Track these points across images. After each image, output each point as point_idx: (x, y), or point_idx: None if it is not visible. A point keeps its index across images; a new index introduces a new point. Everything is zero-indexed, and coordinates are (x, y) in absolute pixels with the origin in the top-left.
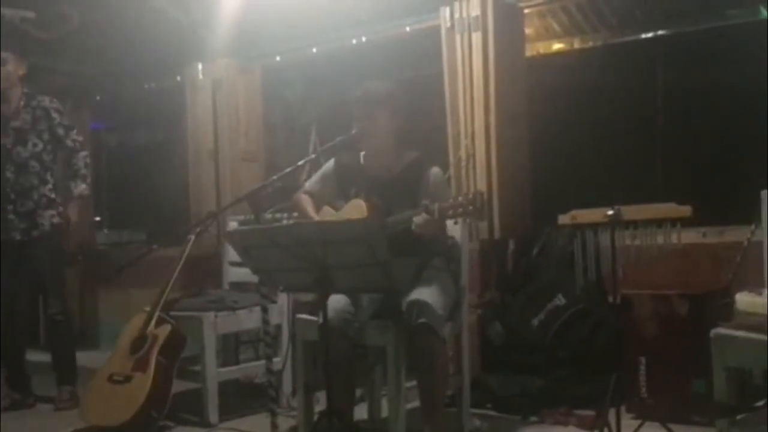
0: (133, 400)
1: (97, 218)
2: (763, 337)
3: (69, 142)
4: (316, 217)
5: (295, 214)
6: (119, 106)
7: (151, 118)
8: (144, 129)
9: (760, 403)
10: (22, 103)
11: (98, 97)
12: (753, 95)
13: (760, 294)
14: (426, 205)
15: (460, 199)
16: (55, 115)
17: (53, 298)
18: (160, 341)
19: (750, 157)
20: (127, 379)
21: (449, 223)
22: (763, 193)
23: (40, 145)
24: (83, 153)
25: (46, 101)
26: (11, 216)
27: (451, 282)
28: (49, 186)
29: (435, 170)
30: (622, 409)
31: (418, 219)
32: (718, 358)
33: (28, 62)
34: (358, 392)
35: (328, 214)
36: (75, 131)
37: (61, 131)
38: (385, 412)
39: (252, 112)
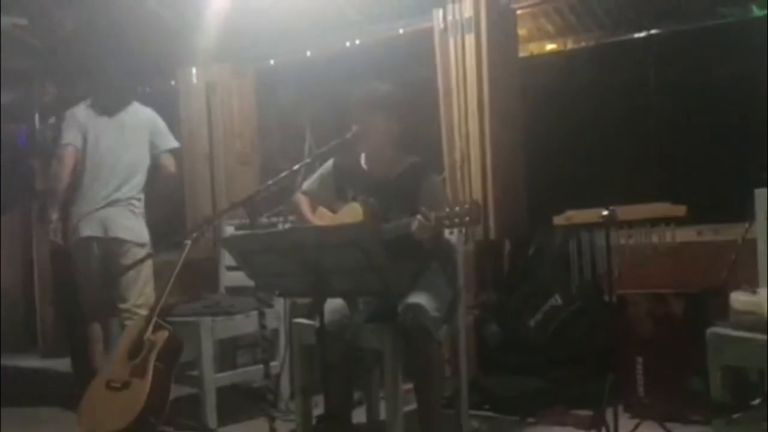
0: (132, 407)
1: None
2: (758, 336)
3: None
4: (312, 218)
5: (291, 217)
6: None
7: None
8: None
9: (756, 402)
10: None
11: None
12: (746, 93)
13: (755, 293)
14: (423, 212)
15: (457, 209)
16: None
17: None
18: (158, 347)
19: (744, 154)
20: (125, 385)
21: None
22: (757, 192)
23: None
24: None
25: None
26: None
27: (446, 284)
28: None
29: (434, 177)
30: (620, 408)
31: (415, 224)
32: (714, 357)
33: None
34: (357, 395)
35: (324, 216)
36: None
37: None
38: (383, 415)
39: (246, 116)
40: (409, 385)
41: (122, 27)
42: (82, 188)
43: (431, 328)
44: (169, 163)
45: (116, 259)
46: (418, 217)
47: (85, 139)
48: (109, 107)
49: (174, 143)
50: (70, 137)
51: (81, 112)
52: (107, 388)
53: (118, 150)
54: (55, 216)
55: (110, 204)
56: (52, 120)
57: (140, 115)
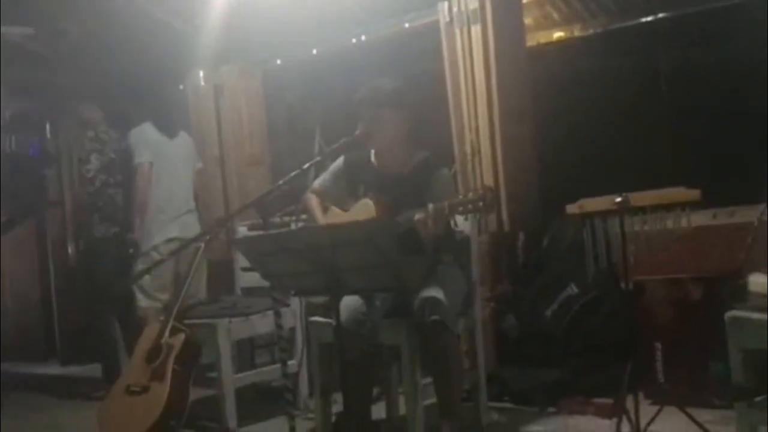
0: (152, 411)
1: None
2: None
3: None
4: (322, 218)
5: (304, 216)
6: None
7: None
8: None
9: None
10: None
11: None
12: (757, 73)
13: None
14: (430, 206)
15: (470, 195)
16: None
17: None
18: (176, 350)
19: (756, 136)
20: (145, 389)
21: (458, 218)
22: None
23: None
24: None
25: None
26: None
27: (462, 277)
28: None
29: (443, 172)
30: (640, 395)
31: (419, 216)
32: (734, 340)
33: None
34: (376, 391)
35: (335, 215)
36: None
37: None
38: (403, 410)
39: (255, 116)
40: (428, 380)
41: (128, 33)
42: (166, 198)
43: (447, 322)
44: (198, 179)
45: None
46: (420, 212)
47: (158, 157)
48: (170, 131)
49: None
50: (147, 156)
51: (149, 132)
52: (127, 393)
53: (183, 168)
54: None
55: (188, 212)
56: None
57: (187, 138)
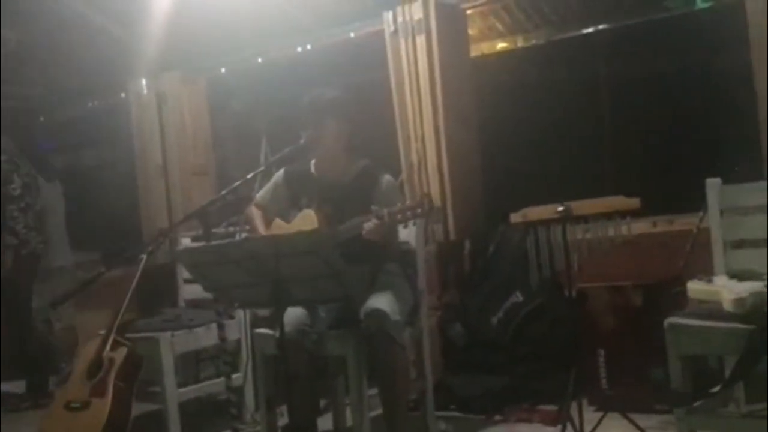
0: (93, 427)
1: None
2: (715, 324)
3: None
4: (265, 232)
5: (248, 227)
6: (64, 127)
7: (98, 137)
8: (91, 148)
9: (716, 389)
10: None
11: (42, 119)
12: (694, 84)
13: (711, 281)
14: (376, 210)
15: (408, 203)
16: None
17: None
18: (117, 364)
19: (694, 145)
20: (85, 405)
21: (402, 227)
22: (708, 181)
23: None
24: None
25: None
26: None
27: (408, 286)
28: None
29: (387, 178)
30: (584, 402)
31: (368, 225)
32: (673, 347)
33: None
34: (322, 402)
35: (278, 226)
36: None
37: None
38: (350, 421)
39: (199, 125)
40: (375, 390)
41: (69, 41)
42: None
43: (394, 333)
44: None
45: None
46: (372, 219)
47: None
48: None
49: None
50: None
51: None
52: (67, 408)
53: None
54: None
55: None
56: None
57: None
